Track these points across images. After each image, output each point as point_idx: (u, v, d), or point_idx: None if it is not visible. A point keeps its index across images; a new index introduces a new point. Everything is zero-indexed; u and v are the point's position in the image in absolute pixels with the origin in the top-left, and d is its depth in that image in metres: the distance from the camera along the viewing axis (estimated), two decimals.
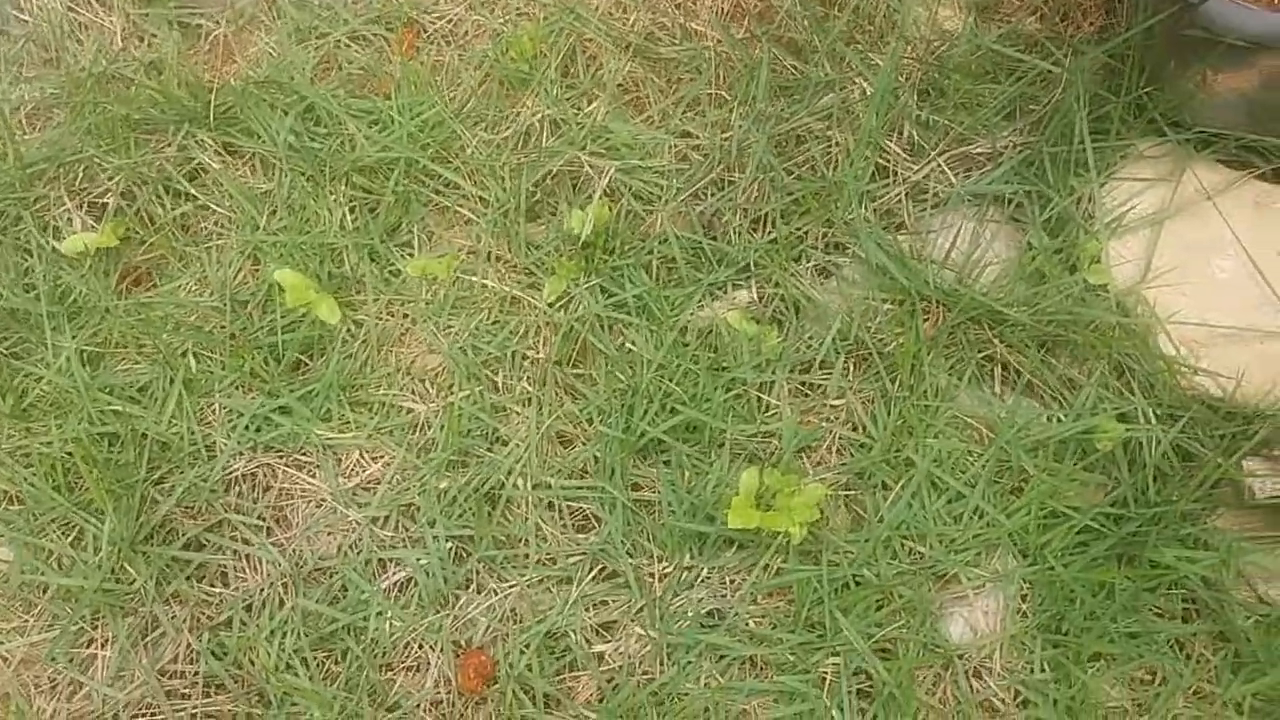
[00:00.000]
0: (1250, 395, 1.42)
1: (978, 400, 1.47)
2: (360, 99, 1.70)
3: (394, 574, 1.40)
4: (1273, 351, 1.44)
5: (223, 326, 1.53)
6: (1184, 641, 1.35)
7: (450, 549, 1.40)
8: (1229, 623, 1.34)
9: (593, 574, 1.38)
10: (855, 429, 1.46)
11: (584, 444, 1.45)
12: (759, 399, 1.46)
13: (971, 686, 1.32)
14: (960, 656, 1.32)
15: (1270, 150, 1.56)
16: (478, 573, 1.39)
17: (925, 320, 1.49)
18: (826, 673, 1.31)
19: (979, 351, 1.49)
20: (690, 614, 1.35)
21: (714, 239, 1.57)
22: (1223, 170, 1.56)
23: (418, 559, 1.39)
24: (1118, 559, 1.37)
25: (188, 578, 1.39)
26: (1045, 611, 1.34)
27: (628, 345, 1.50)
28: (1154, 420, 1.41)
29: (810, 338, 1.50)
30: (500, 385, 1.49)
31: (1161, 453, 1.39)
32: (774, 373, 1.47)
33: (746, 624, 1.34)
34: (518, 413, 1.47)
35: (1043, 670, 1.32)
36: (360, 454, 1.46)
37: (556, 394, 1.48)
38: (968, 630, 1.34)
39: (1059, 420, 1.43)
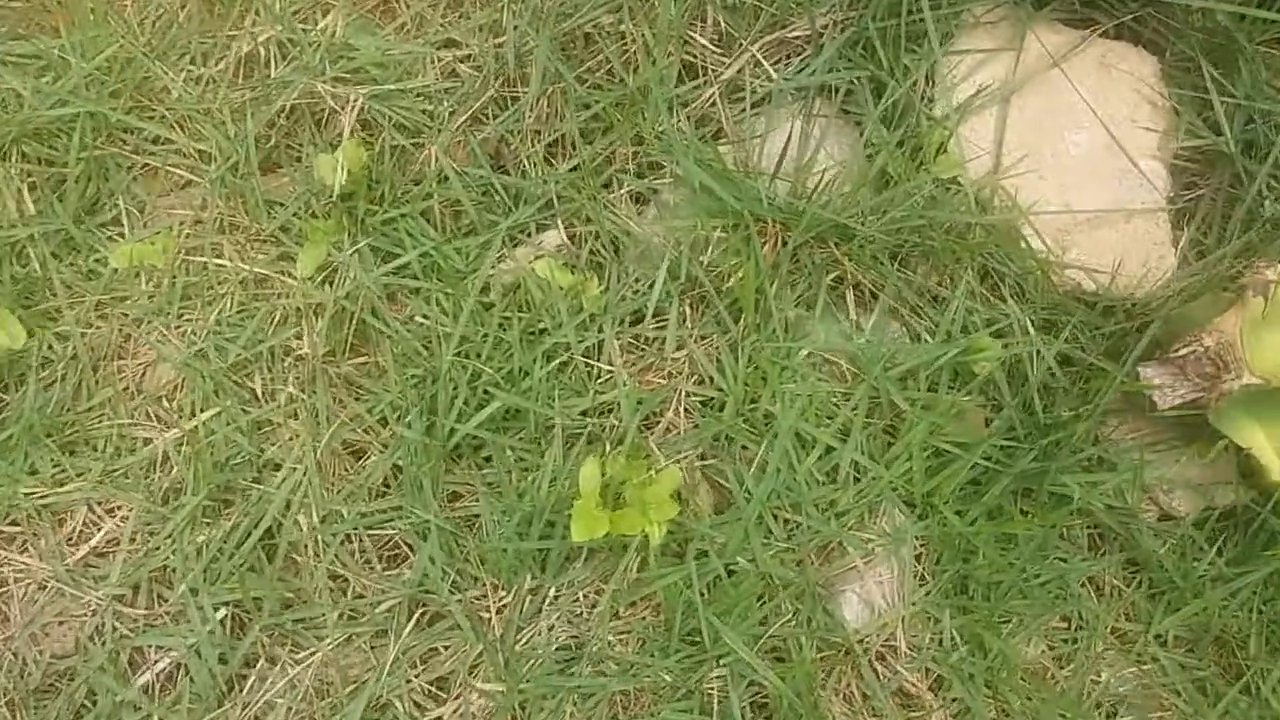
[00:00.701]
0: (1126, 284, 1.30)
1: (834, 331, 1.27)
2: (21, 40, 1.35)
3: (155, 663, 1.11)
4: (1141, 229, 1.33)
5: None
6: (1095, 577, 1.21)
7: (224, 618, 1.11)
8: (1138, 547, 1.20)
9: (413, 621, 1.12)
10: (702, 383, 1.24)
11: (380, 453, 1.17)
12: (587, 365, 1.21)
13: (878, 674, 1.14)
14: (860, 642, 1.14)
15: (1112, 4, 1.41)
16: (265, 644, 1.10)
17: (763, 245, 1.27)
18: (712, 690, 1.10)
19: (827, 274, 1.28)
20: (541, 651, 1.10)
21: (505, 171, 1.33)
22: (1065, 30, 1.43)
23: (183, 639, 1.09)
24: (1014, 496, 1.20)
25: None
26: (945, 571, 1.17)
27: (417, 319, 1.23)
28: (1032, 330, 1.24)
29: (637, 280, 1.27)
30: (260, 393, 1.21)
31: (1046, 367, 1.23)
32: (601, 329, 1.23)
33: (611, 649, 1.12)
34: (287, 426, 1.17)
35: (954, 642, 1.15)
36: (89, 509, 1.16)
37: (334, 395, 1.19)
38: (864, 608, 1.15)
39: (927, 342, 1.25)
